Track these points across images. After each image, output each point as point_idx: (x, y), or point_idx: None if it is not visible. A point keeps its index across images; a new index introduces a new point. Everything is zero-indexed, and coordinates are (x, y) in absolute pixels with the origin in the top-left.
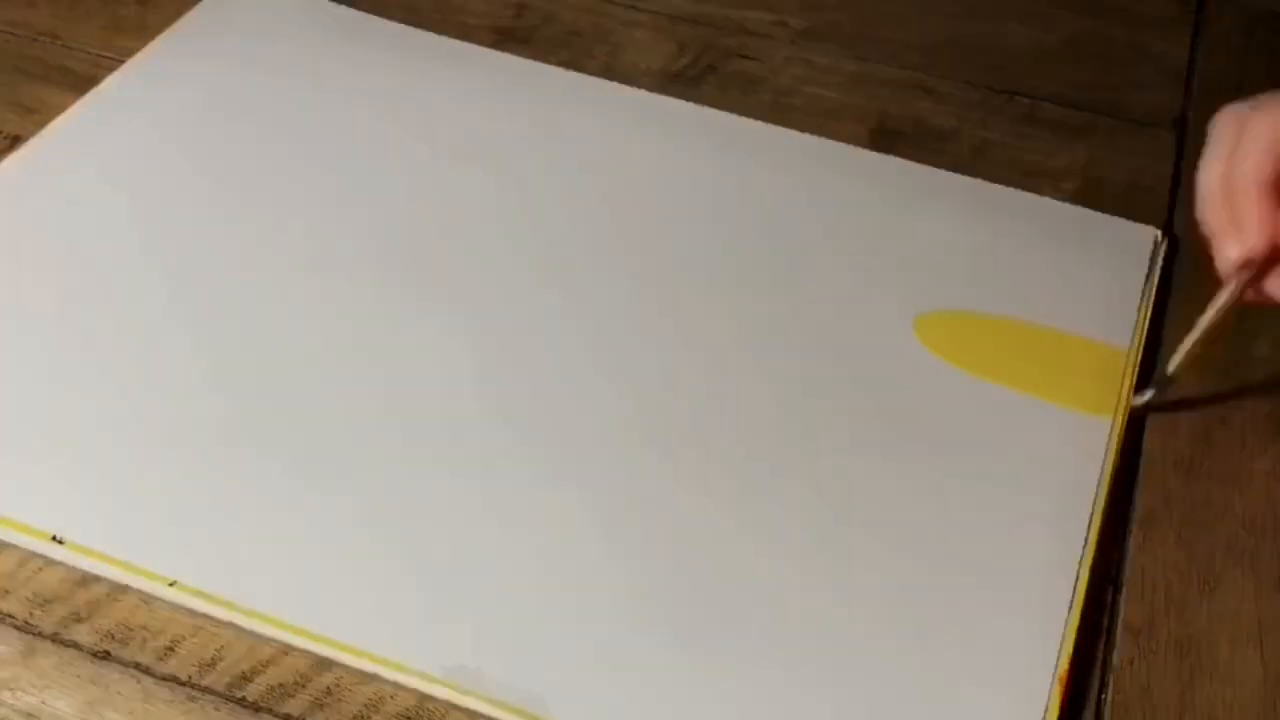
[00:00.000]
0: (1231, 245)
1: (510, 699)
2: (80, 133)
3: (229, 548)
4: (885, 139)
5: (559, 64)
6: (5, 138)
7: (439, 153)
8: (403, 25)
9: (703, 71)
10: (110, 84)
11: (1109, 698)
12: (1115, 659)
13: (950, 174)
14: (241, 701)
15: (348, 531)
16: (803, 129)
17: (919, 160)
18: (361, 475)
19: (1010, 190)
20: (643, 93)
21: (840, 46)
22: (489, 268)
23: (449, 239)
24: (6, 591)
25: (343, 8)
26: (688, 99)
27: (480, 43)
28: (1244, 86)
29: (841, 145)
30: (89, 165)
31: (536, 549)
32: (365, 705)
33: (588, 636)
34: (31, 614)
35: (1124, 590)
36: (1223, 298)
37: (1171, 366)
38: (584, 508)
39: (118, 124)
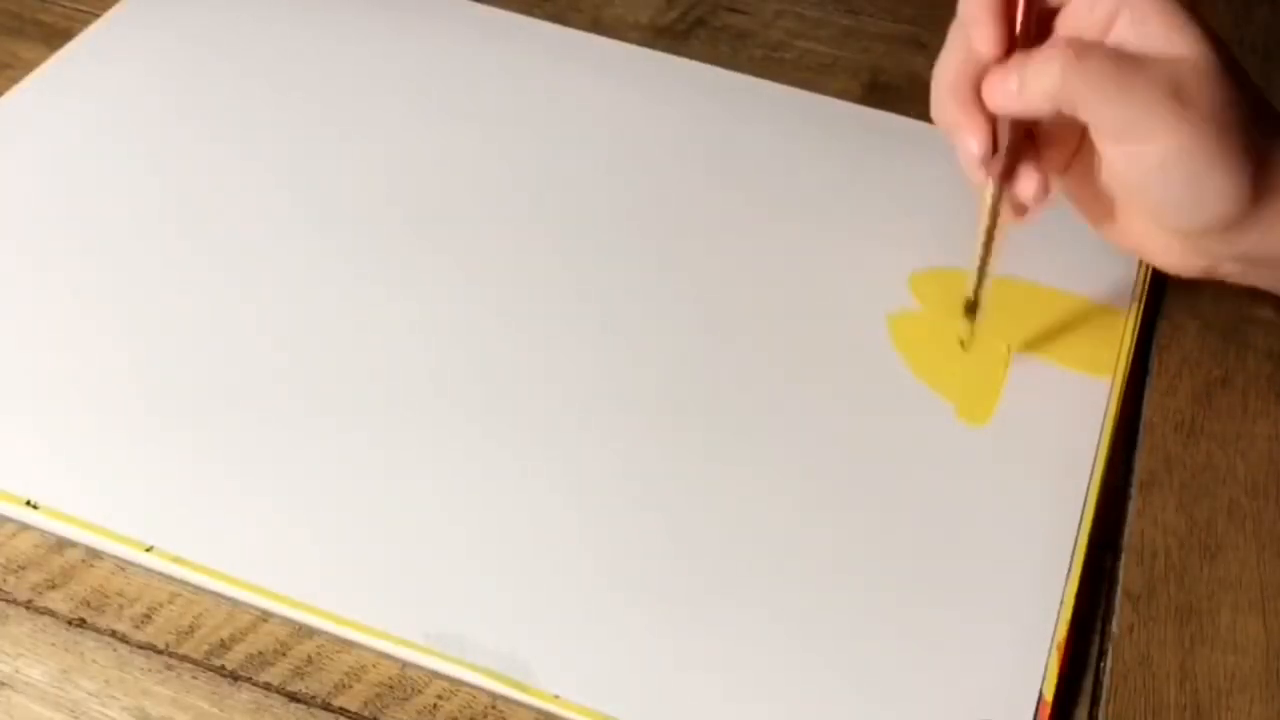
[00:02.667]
0: (968, 139)
1: (493, 665)
2: (58, 85)
3: (207, 513)
4: (878, 93)
5: (546, 16)
6: None
7: (425, 106)
8: None
9: (692, 25)
10: (89, 35)
11: (1108, 665)
12: (1115, 626)
13: None
14: (220, 670)
15: (328, 498)
16: (794, 84)
17: (913, 115)
18: (342, 441)
19: None
20: (630, 46)
21: (832, 0)
22: (474, 225)
23: (434, 195)
24: None
25: None
26: (676, 53)
27: None
28: (1244, 40)
29: (833, 100)
30: (67, 118)
31: (519, 516)
32: (346, 674)
33: (571, 602)
34: (4, 580)
35: (1123, 556)
36: (987, 206)
37: (969, 292)
38: (567, 474)
39: (98, 75)
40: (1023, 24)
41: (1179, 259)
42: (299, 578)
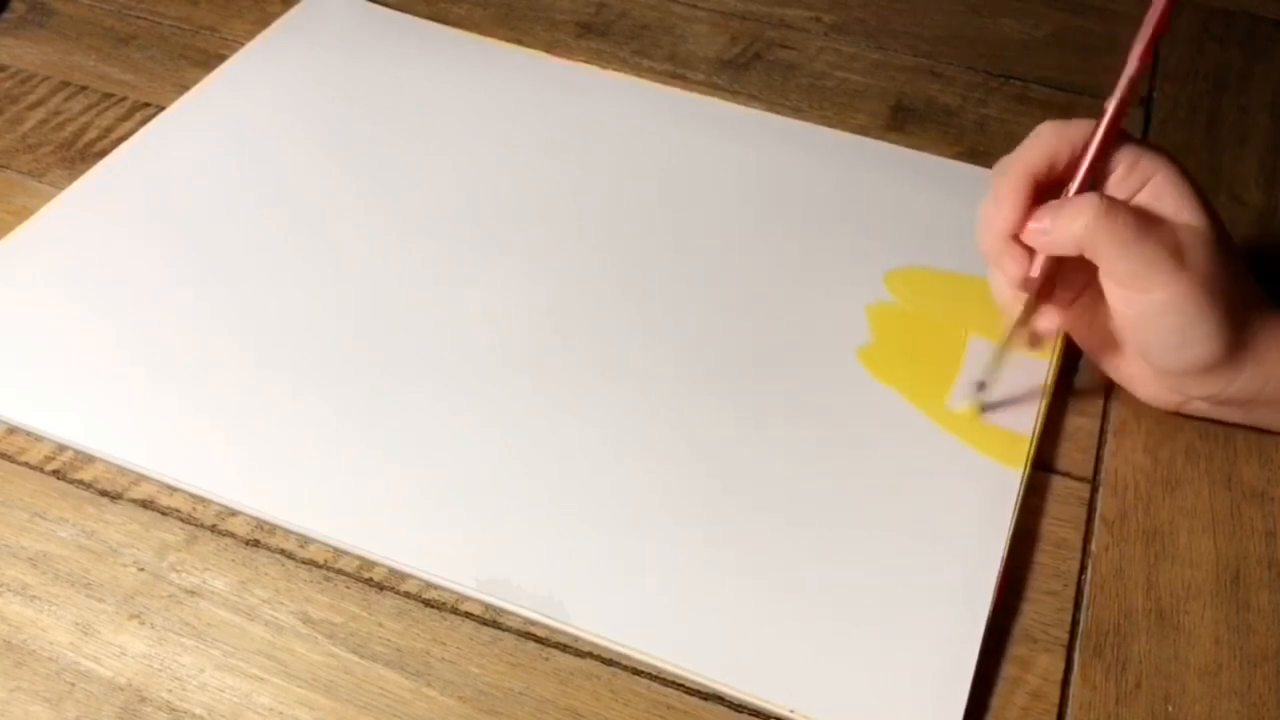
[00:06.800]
0: (1009, 264)
1: (535, 606)
2: (203, 107)
3: (320, 488)
4: (902, 115)
5: (632, 52)
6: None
7: (502, 139)
8: (466, 34)
9: (751, 59)
10: (228, 66)
11: (1089, 578)
12: (1093, 546)
13: (940, 159)
14: (369, 582)
15: (395, 465)
16: (833, 107)
17: (931, 132)
18: (409, 415)
19: (987, 172)
20: (677, 93)
21: (864, 38)
22: (532, 234)
23: (503, 208)
24: (173, 491)
25: (421, 20)
26: (738, 83)
27: (566, 35)
28: (1199, 71)
29: (835, 131)
30: (218, 133)
31: (555, 475)
32: None
33: (599, 551)
34: (194, 509)
35: (1100, 489)
36: (1017, 315)
37: (982, 374)
38: (597, 439)
39: (233, 102)
40: (1082, 182)
41: (1156, 393)
42: (381, 534)
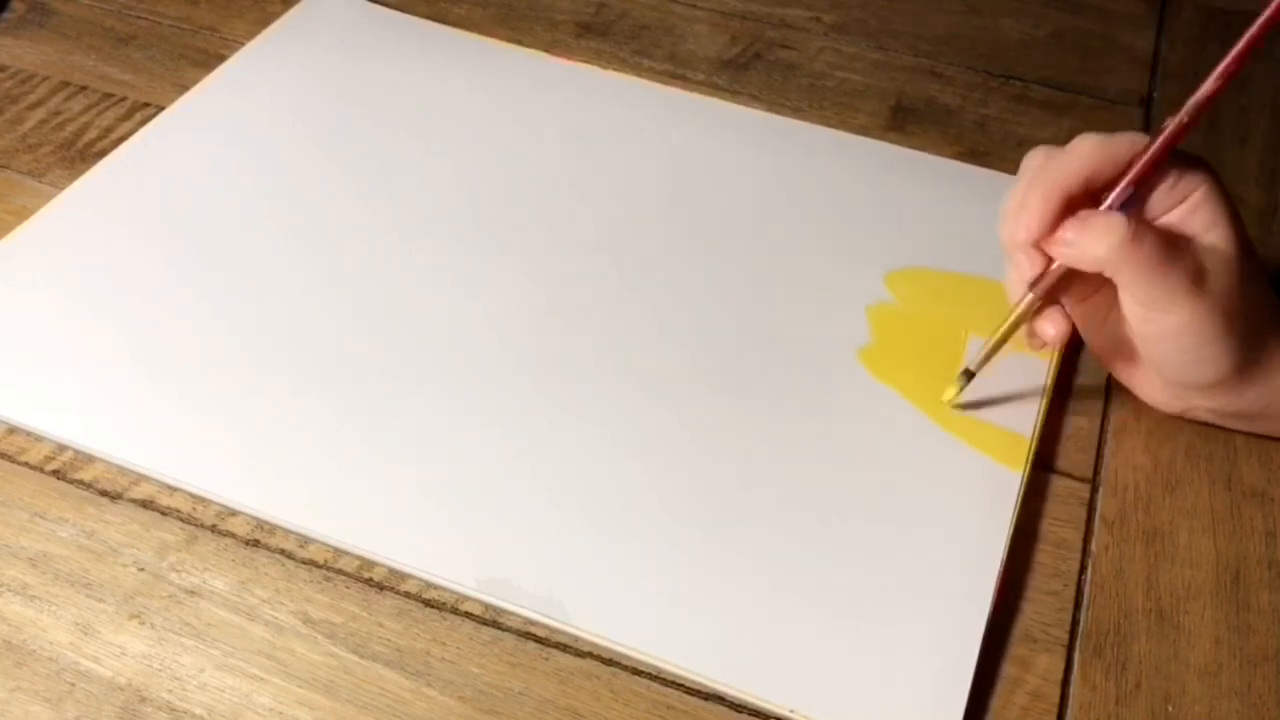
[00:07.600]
0: (1025, 261)
1: (535, 606)
2: (202, 108)
3: (320, 488)
4: (902, 115)
5: (632, 52)
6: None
7: (499, 138)
8: (466, 34)
9: (751, 59)
10: (228, 66)
11: (1089, 578)
12: (1093, 546)
13: (940, 159)
14: (369, 582)
15: (395, 465)
16: (833, 107)
17: (931, 132)
18: (409, 415)
19: (987, 172)
20: (673, 91)
21: (864, 38)
22: (531, 233)
23: (502, 207)
24: (173, 490)
25: (421, 20)
26: (738, 83)
27: (566, 35)
28: (1199, 71)
29: (835, 131)
30: (217, 133)
31: (555, 475)
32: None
33: (599, 551)
34: (194, 509)
35: (1100, 489)
36: (1015, 313)
37: (974, 366)
38: (598, 440)
39: (233, 103)
40: (1116, 199)
41: (1161, 399)
42: (381, 534)
